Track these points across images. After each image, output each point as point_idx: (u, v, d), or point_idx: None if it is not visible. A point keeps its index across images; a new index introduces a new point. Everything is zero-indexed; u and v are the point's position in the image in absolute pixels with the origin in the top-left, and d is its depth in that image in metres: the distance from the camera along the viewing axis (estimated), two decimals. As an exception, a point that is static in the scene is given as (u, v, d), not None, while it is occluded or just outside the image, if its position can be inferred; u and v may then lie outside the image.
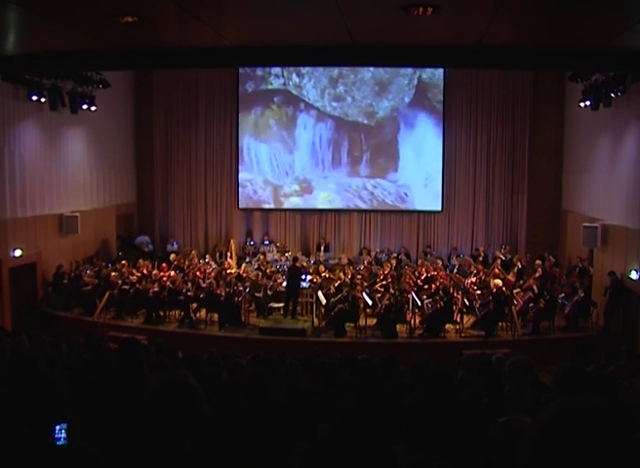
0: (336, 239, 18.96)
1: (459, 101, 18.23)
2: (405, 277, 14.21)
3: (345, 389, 5.56)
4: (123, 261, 15.27)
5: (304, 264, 15.51)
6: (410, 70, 17.87)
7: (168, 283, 13.86)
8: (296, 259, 14.85)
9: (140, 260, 15.61)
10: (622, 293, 12.54)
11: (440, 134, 18.26)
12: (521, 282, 14.55)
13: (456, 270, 15.66)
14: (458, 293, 13.02)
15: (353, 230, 18.93)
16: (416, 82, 18.22)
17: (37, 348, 7.99)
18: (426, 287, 13.88)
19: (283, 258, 16.84)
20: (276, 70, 18.41)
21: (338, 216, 18.98)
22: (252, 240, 18.82)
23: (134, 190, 19.48)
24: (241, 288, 13.72)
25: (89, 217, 16.00)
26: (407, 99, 18.34)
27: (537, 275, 14.28)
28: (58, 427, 2.20)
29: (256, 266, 15.82)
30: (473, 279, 14.22)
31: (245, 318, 13.76)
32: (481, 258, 16.75)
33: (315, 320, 13.53)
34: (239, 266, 16.08)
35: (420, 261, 16.33)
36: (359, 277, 14.40)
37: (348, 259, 16.95)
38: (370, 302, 13.14)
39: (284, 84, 18.67)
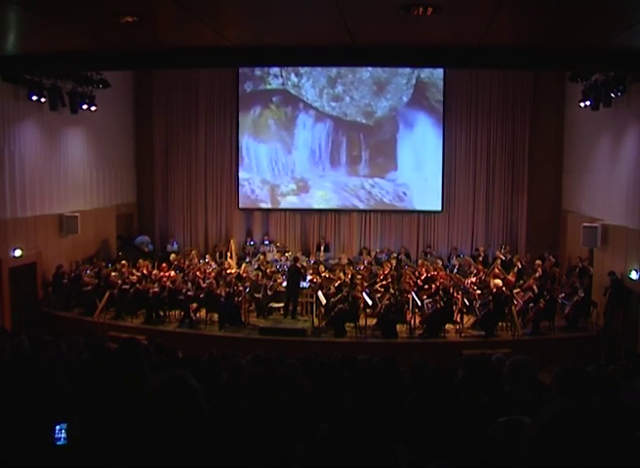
0: (336, 239, 18.96)
1: (458, 101, 18.23)
2: (405, 277, 14.22)
3: (345, 389, 5.56)
4: (123, 261, 15.28)
5: (304, 264, 15.51)
6: (408, 70, 17.85)
7: (168, 283, 13.86)
8: (296, 259, 14.85)
9: (140, 260, 15.63)
10: (622, 293, 12.54)
11: (439, 133, 18.26)
12: (521, 282, 14.55)
13: (456, 270, 15.66)
14: (458, 293, 13.02)
15: (353, 230, 18.93)
16: (414, 81, 18.23)
17: (37, 348, 8.00)
18: (426, 287, 13.88)
19: (283, 258, 16.85)
20: (275, 70, 18.42)
21: (338, 216, 18.99)
22: (252, 240, 18.82)
23: (134, 190, 19.48)
24: (241, 288, 13.72)
25: (89, 217, 16.00)
26: (405, 99, 18.34)
27: (537, 275, 14.29)
28: (58, 427, 2.20)
29: (256, 266, 15.82)
30: (473, 279, 14.22)
31: (245, 318, 13.76)
32: (481, 258, 16.76)
33: (315, 320, 13.53)
34: (239, 266, 16.08)
35: (420, 261, 16.34)
36: (359, 277, 14.41)
37: (348, 259, 16.96)
38: (370, 302, 13.14)
39: (282, 84, 18.68)
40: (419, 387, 4.91)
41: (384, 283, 14.15)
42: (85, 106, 14.85)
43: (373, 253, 17.82)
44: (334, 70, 18.19)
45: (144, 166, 19.50)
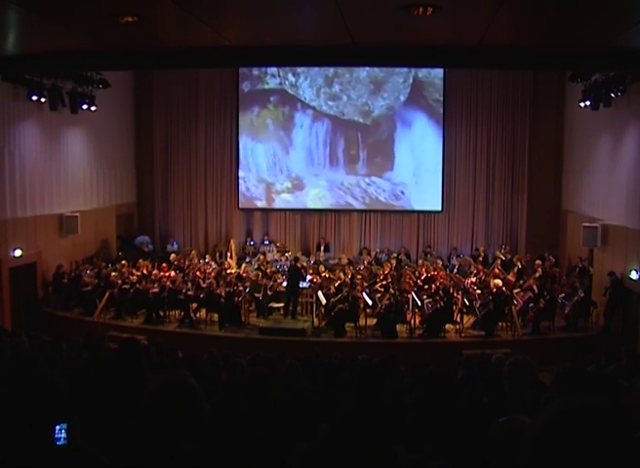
0: (336, 239, 18.96)
1: (458, 101, 18.23)
2: (405, 277, 14.22)
3: (345, 389, 5.56)
4: (123, 261, 15.28)
5: (304, 264, 15.51)
6: (405, 69, 17.79)
7: (168, 283, 13.86)
8: (296, 259, 14.85)
9: (140, 260, 15.63)
10: (622, 293, 12.54)
11: (437, 132, 18.25)
12: (521, 282, 14.55)
13: (456, 270, 15.66)
14: (458, 293, 13.02)
15: (353, 230, 18.93)
16: (411, 80, 18.22)
17: (37, 348, 7.99)
18: (426, 287, 13.88)
19: (283, 258, 16.85)
20: (272, 70, 18.43)
21: (338, 216, 18.99)
22: (252, 240, 18.82)
23: (134, 190, 19.48)
24: (241, 288, 13.72)
25: (89, 217, 16.00)
26: (402, 98, 18.34)
27: (537, 275, 14.28)
28: (58, 427, 2.20)
29: (256, 266, 15.82)
30: (473, 279, 14.22)
31: (245, 318, 13.76)
32: (481, 258, 16.76)
33: (315, 320, 13.53)
34: (239, 266, 16.09)
35: (420, 261, 16.35)
36: (359, 277, 14.41)
37: (348, 259, 16.96)
38: (370, 302, 13.14)
39: (280, 83, 18.69)
40: (419, 387, 4.91)
41: (384, 283, 14.15)
42: (85, 106, 14.85)
43: (373, 253, 17.82)
44: (331, 70, 18.19)
45: (144, 166, 19.50)
